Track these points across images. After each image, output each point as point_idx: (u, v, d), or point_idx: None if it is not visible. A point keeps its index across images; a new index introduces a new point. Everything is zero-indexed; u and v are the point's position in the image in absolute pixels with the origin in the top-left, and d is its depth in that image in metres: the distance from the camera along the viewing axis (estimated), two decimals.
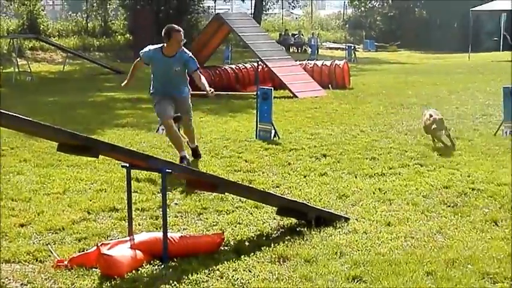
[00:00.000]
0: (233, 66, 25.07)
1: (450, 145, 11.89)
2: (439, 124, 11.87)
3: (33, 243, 7.08)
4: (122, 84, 11.49)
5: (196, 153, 11.63)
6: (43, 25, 45.89)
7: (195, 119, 16.09)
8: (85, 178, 10.01)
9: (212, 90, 10.91)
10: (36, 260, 6.56)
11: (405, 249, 6.75)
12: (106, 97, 22.28)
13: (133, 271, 6.18)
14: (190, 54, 11.06)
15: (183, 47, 10.88)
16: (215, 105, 19.01)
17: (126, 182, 6.88)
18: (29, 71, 29.87)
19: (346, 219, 7.66)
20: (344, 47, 45.49)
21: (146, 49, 11.04)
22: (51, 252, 6.67)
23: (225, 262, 6.37)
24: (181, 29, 10.81)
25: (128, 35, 46.78)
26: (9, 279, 6.14)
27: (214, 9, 57.63)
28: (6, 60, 32.31)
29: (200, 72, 11.06)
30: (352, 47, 42.82)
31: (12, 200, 8.80)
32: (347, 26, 65.66)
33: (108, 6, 51.31)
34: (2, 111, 5.88)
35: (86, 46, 43.65)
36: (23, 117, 6.07)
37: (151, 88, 11.13)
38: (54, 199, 8.86)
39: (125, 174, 7.12)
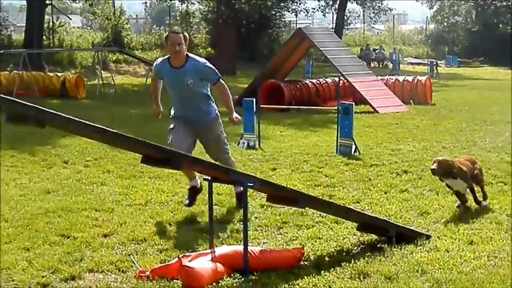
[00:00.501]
0: (314, 80, 25.08)
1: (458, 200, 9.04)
2: (440, 166, 8.72)
3: (116, 253, 7.18)
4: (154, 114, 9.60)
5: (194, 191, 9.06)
6: (127, 38, 46.80)
7: (275, 134, 16.21)
8: (167, 190, 10.11)
9: (237, 116, 9.14)
10: (119, 270, 6.65)
11: (488, 269, 6.62)
12: None
13: (214, 283, 6.21)
14: (206, 61, 8.96)
15: (193, 55, 8.96)
16: (296, 119, 19.04)
17: (207, 195, 6.92)
18: (113, 83, 30.40)
19: (428, 237, 7.56)
20: (426, 62, 45.08)
21: (154, 67, 9.28)
22: (134, 262, 6.76)
23: (305, 277, 6.34)
24: (179, 31, 8.92)
25: (210, 48, 47.25)
26: None
27: (296, 23, 57.85)
28: (91, 72, 32.92)
29: (224, 84, 9.02)
30: (434, 63, 42.42)
31: (96, 210, 8.95)
32: (429, 41, 65.07)
33: (191, 20, 51.95)
34: (88, 123, 6.00)
35: None
36: (109, 129, 6.18)
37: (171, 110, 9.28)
38: (136, 210, 8.97)
39: (205, 186, 7.18)
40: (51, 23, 44.89)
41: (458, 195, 8.97)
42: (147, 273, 6.40)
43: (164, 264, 6.59)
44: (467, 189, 8.91)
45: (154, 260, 6.92)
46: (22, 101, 5.70)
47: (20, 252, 7.18)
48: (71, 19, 58.55)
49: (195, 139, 8.95)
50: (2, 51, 30.67)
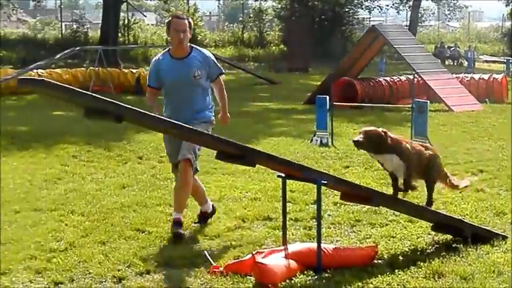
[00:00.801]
0: (387, 78, 24.88)
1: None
2: (367, 136, 6.99)
3: (190, 248, 7.25)
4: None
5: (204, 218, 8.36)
6: (200, 36, 47.18)
7: (348, 131, 16.12)
8: (240, 186, 10.15)
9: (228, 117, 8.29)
10: (193, 265, 6.70)
11: None
12: (260, 107, 22.57)
13: (287, 280, 6.22)
14: (209, 52, 8.17)
15: (195, 46, 8.06)
16: (369, 117, 18.91)
17: (281, 192, 6.93)
18: None
19: (504, 238, 7.43)
20: (502, 60, 44.32)
21: (150, 68, 8.19)
22: (208, 258, 6.79)
23: (379, 276, 6.31)
24: (183, 16, 7.97)
25: (282, 45, 47.29)
26: (167, 282, 6.31)
27: (369, 20, 57.47)
28: None
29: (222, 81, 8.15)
30: (511, 61, 41.64)
31: (170, 205, 8.99)
32: (505, 38, 63.91)
33: (264, 17, 52.09)
34: (164, 118, 6.07)
35: (241, 56, 44.41)
36: (185, 125, 6.25)
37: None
38: None
39: (278, 183, 7.19)
40: (126, 20, 45.58)
41: (392, 178, 7.41)
42: (221, 269, 6.44)
43: (238, 260, 6.63)
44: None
45: (228, 256, 6.96)
46: (101, 97, 5.81)
47: (96, 245, 7.31)
48: (145, 16, 59.20)
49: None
50: (79, 48, 31.24)
